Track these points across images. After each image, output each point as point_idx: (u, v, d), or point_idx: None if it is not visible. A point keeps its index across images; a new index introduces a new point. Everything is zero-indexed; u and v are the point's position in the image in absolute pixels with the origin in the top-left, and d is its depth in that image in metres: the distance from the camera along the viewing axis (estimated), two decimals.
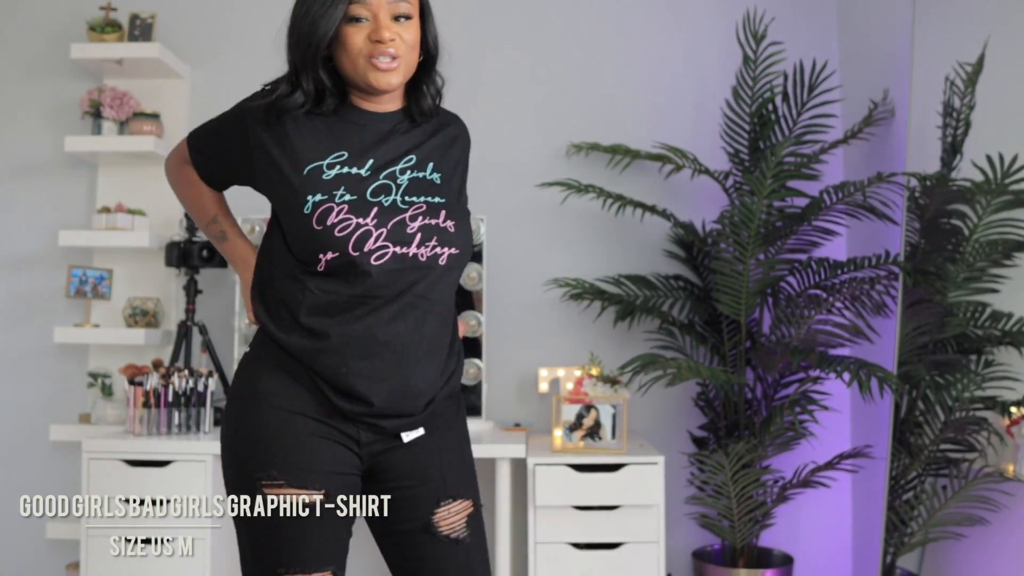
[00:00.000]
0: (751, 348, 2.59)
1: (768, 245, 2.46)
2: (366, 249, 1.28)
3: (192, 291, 2.75)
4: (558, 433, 2.41)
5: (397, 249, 1.29)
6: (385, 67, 1.31)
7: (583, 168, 2.89)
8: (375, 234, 1.28)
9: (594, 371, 2.62)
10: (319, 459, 1.31)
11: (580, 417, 2.42)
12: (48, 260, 2.92)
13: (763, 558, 2.62)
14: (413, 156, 1.37)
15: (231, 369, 2.73)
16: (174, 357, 2.69)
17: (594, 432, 2.41)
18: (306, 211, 1.28)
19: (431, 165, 1.38)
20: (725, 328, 2.62)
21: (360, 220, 1.28)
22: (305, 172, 1.30)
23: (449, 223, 1.34)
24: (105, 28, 2.81)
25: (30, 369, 2.91)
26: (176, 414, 2.46)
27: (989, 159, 2.11)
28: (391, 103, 1.40)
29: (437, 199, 1.35)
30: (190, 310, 2.75)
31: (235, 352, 2.67)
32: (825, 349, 2.38)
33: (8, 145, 2.98)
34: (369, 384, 1.31)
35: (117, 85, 2.89)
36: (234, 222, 1.49)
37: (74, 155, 2.85)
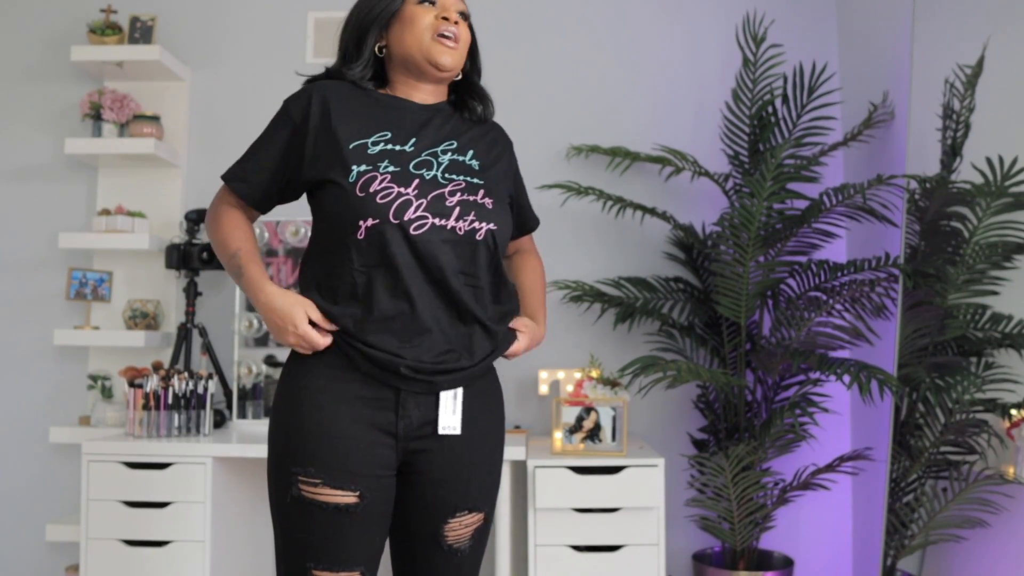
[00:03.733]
0: (751, 350, 2.59)
1: (768, 247, 2.46)
2: (406, 218, 1.32)
3: (192, 293, 2.75)
4: (558, 435, 2.41)
5: (436, 220, 1.33)
6: (450, 45, 1.42)
7: (583, 170, 2.90)
8: (415, 204, 1.32)
9: (594, 373, 2.62)
10: (357, 461, 1.33)
11: (580, 419, 2.42)
12: (48, 262, 2.92)
13: (763, 560, 2.62)
14: (454, 141, 1.43)
15: (231, 371, 2.73)
16: (174, 359, 2.69)
17: (594, 434, 2.41)
18: (350, 179, 1.33)
19: (471, 152, 1.44)
20: (725, 330, 2.62)
21: (401, 189, 1.33)
22: (350, 147, 1.35)
23: (487, 200, 1.39)
24: (105, 31, 2.82)
25: (30, 371, 2.91)
26: (176, 416, 2.45)
27: (989, 161, 2.11)
28: (433, 96, 1.48)
29: (476, 180, 1.40)
30: (190, 312, 2.75)
31: (235, 354, 2.67)
32: (825, 351, 2.38)
33: (8, 147, 2.98)
34: (417, 353, 1.34)
35: (117, 87, 2.90)
36: (257, 257, 1.42)
37: (74, 157, 2.85)
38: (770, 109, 2.62)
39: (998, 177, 2.11)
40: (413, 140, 1.39)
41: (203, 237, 2.78)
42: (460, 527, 1.42)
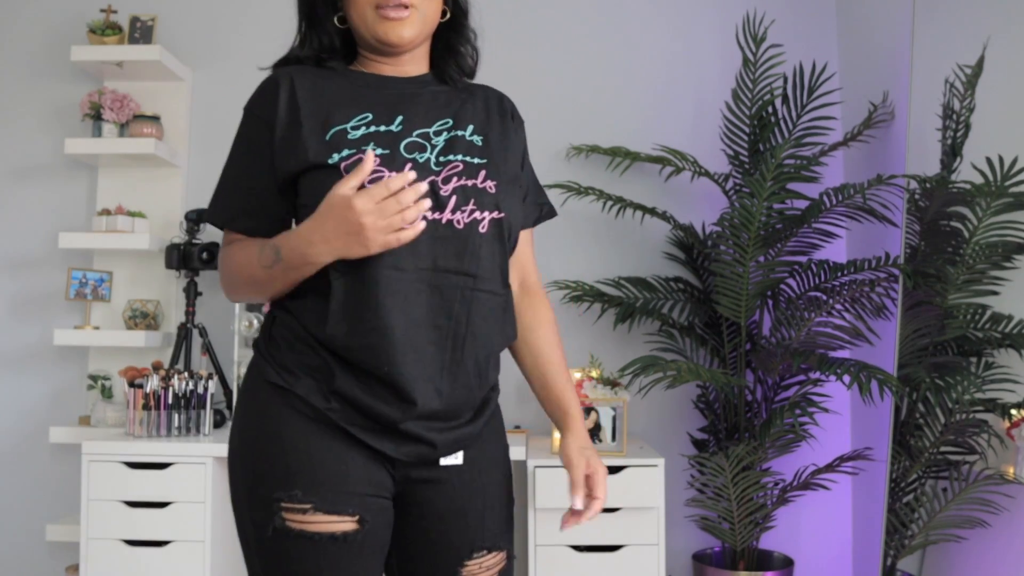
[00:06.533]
0: (751, 350, 2.59)
1: (768, 247, 2.46)
2: None
3: (192, 293, 2.75)
4: (558, 435, 2.41)
5: (430, 214, 1.11)
6: (395, 16, 1.17)
7: (583, 170, 2.90)
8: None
9: (594, 373, 2.62)
10: (352, 477, 1.10)
11: None
12: (48, 262, 2.92)
13: (763, 560, 2.62)
14: (449, 119, 1.20)
15: (231, 371, 2.72)
16: (174, 359, 2.69)
17: (594, 434, 2.41)
18: (331, 162, 1.10)
19: (471, 127, 1.21)
20: (725, 330, 2.62)
21: (392, 173, 1.09)
22: (328, 137, 1.13)
23: (489, 183, 1.16)
24: (105, 30, 2.81)
25: (30, 371, 2.91)
26: (176, 416, 2.45)
27: (989, 161, 2.11)
28: (413, 66, 1.25)
29: (477, 159, 1.17)
30: (190, 312, 2.75)
31: (235, 354, 2.67)
32: (825, 351, 2.37)
33: (8, 147, 2.98)
34: (413, 382, 1.10)
35: (117, 87, 2.90)
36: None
37: (74, 157, 2.85)
38: (770, 109, 2.62)
39: (998, 177, 2.11)
40: (400, 118, 1.17)
41: (203, 237, 2.78)
42: (480, 570, 1.19)
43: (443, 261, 1.12)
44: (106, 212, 2.78)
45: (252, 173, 1.18)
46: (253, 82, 1.40)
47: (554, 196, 2.84)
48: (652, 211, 2.69)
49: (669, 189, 2.89)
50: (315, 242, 1.06)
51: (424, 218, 1.09)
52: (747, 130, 2.67)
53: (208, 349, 2.73)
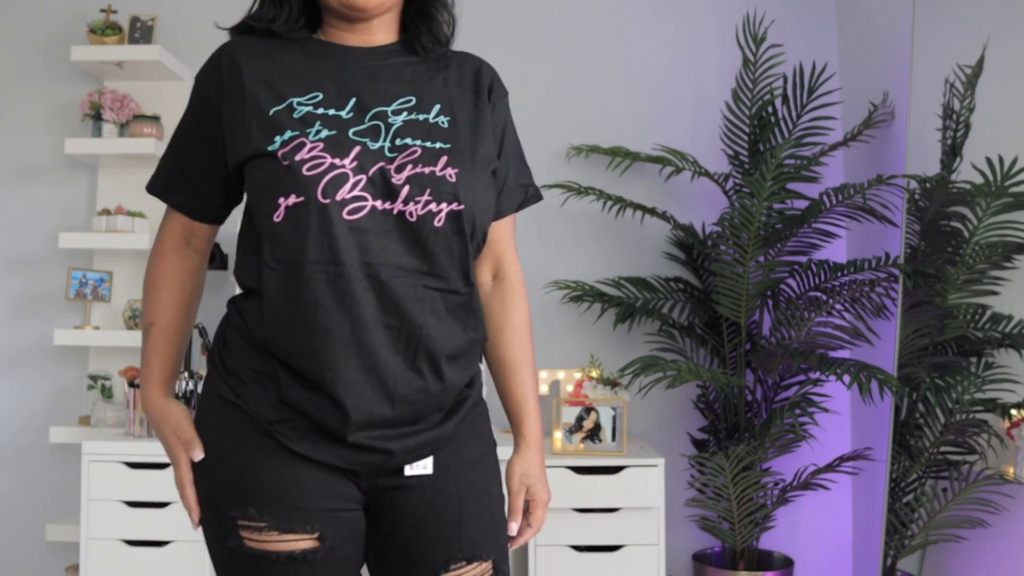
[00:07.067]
0: (751, 350, 2.59)
1: (768, 247, 2.46)
2: (338, 198, 0.99)
3: None
4: (558, 435, 2.41)
5: (377, 204, 1.01)
6: None
7: (583, 170, 2.90)
8: (352, 180, 1.00)
9: (594, 373, 2.62)
10: (311, 492, 1.04)
11: (580, 419, 2.42)
12: (48, 262, 2.92)
13: (763, 560, 2.62)
14: (412, 97, 1.09)
15: None
16: None
17: (594, 434, 2.41)
18: (271, 148, 1.01)
19: (437, 107, 1.09)
20: (725, 330, 2.62)
21: (336, 160, 1.00)
22: (271, 113, 1.04)
23: (450, 171, 1.04)
24: (105, 30, 2.81)
25: (30, 371, 2.91)
26: None
27: (989, 161, 2.11)
28: (381, 33, 1.13)
29: (439, 144, 1.05)
30: None
31: None
32: (825, 351, 2.37)
33: (8, 147, 2.98)
34: (354, 387, 1.02)
35: (117, 87, 2.89)
36: (170, 337, 1.15)
37: (74, 157, 2.85)
38: (770, 109, 2.62)
39: (998, 177, 2.11)
40: (352, 101, 1.06)
41: None
42: None
43: (393, 257, 1.02)
44: (106, 212, 2.78)
45: (190, 150, 1.14)
46: None
47: (554, 196, 2.84)
48: (652, 211, 2.69)
49: (669, 189, 2.89)
50: (145, 398, 1.14)
51: (373, 208, 1.01)
52: (747, 130, 2.67)
53: (208, 349, 2.73)
